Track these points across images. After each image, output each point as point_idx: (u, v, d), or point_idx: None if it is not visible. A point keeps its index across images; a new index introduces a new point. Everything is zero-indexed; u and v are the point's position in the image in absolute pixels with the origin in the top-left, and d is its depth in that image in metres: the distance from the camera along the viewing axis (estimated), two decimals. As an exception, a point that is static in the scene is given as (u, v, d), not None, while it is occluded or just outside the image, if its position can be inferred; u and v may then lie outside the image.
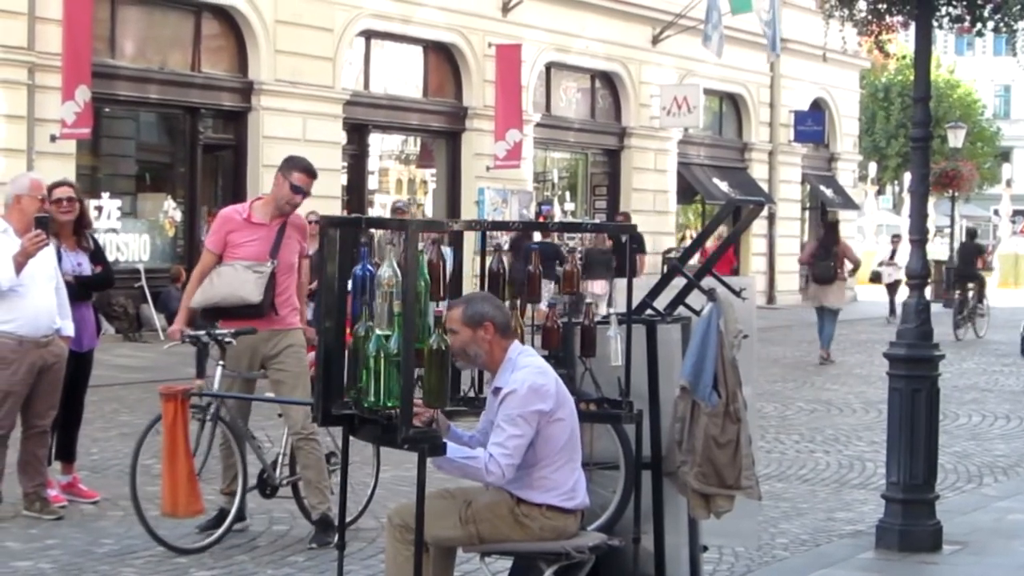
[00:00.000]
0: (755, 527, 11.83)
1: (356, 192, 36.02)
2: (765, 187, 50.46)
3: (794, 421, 21.61)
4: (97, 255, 14.69)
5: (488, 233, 10.71)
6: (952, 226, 61.19)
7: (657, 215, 44.10)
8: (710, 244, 19.36)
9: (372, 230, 9.98)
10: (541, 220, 37.24)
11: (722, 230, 22.51)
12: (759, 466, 10.67)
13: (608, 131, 44.86)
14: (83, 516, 13.74)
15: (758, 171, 51.21)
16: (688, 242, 40.75)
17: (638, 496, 10.06)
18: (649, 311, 10.43)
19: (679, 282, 10.63)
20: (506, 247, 11.84)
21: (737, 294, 10.42)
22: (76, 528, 13.20)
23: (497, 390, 8.93)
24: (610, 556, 9.68)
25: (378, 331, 8.85)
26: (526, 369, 8.85)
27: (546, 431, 8.80)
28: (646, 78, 44.91)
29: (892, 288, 44.38)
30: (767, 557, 12.63)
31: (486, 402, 9.17)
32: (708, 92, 47.07)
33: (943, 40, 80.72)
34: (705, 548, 11.02)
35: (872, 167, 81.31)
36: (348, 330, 9.23)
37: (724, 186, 47.64)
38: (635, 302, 10.25)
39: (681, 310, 10.53)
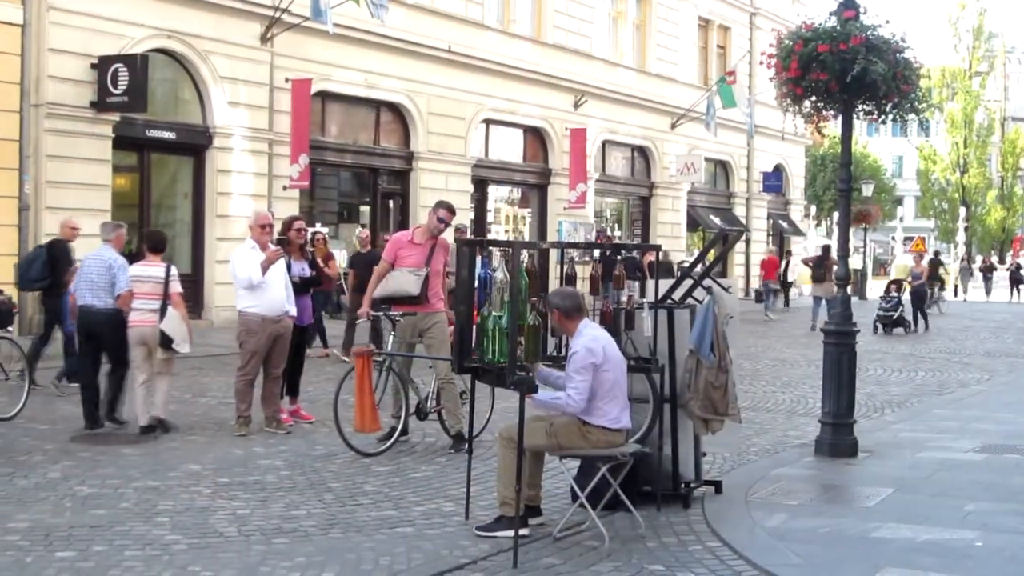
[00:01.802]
0: (736, 440, 11.80)
1: (479, 223, 36.03)
2: (744, 221, 50.24)
3: (762, 372, 21.49)
4: (313, 264, 14.87)
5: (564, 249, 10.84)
6: (864, 246, 60.81)
7: (673, 239, 43.95)
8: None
9: (490, 247, 10.08)
10: (598, 241, 37.18)
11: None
12: (740, 401, 10.63)
13: (642, 184, 44.71)
14: (303, 432, 13.83)
15: (739, 211, 50.98)
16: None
17: (661, 420, 10.09)
18: (669, 301, 10.43)
19: (688, 282, 10.64)
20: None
21: (726, 290, 10.43)
22: (298, 439, 13.29)
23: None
24: (643, 459, 9.72)
25: (495, 313, 8.91)
26: (584, 337, 9.05)
27: (599, 377, 8.94)
28: (667, 150, 44.75)
29: (788, 287, 44.10)
30: (743, 460, 12.59)
31: (567, 358, 9.25)
32: (707, 159, 46.82)
33: (859, 126, 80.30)
34: (704, 454, 11.01)
35: (813, 208, 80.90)
36: (475, 312, 9.29)
37: (717, 220, 47.46)
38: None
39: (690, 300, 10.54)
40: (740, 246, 49.54)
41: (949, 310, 44.06)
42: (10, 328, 15.63)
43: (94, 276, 13.71)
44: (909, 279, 35.05)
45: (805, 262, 37.83)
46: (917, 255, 40.81)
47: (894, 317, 32.64)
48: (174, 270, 13.90)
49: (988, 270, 62.00)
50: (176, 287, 13.72)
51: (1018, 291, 56.89)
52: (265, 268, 13.40)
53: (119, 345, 13.82)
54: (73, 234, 17.73)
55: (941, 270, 47.13)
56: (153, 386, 13.67)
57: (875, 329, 32.26)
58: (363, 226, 31.63)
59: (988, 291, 58.43)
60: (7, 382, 15.07)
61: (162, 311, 13.51)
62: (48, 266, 16.79)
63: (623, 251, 11.12)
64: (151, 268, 13.76)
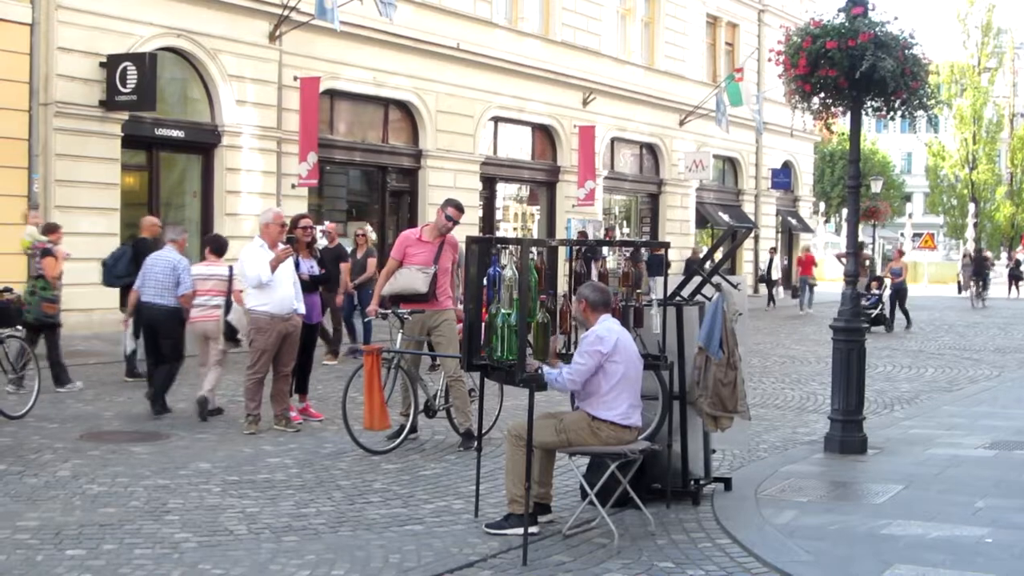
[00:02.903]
0: (746, 437, 11.82)
1: (488, 221, 36.07)
2: (752, 218, 50.24)
3: (771, 369, 21.50)
4: (322, 262, 14.87)
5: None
6: (873, 243, 60.73)
7: (682, 236, 43.94)
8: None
9: (499, 245, 10.08)
10: (607, 238, 37.20)
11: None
12: (749, 398, 10.63)
13: (650, 182, 44.72)
14: (312, 429, 13.87)
15: (748, 207, 50.96)
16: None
17: (671, 417, 10.09)
18: (678, 298, 10.43)
19: (697, 279, 10.64)
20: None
21: (735, 287, 10.42)
22: (308, 437, 13.32)
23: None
24: (653, 456, 9.72)
25: (503, 310, 8.91)
26: (599, 327, 9.12)
27: (606, 367, 8.99)
28: (675, 147, 44.77)
29: (772, 284, 43.70)
30: (753, 457, 12.59)
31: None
32: (716, 156, 46.90)
33: (868, 122, 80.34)
34: (714, 451, 11.01)
35: (822, 205, 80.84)
36: (484, 310, 9.29)
37: (726, 217, 47.48)
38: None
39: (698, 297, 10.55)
40: (749, 243, 49.60)
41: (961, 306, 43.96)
42: (19, 328, 15.68)
43: (159, 275, 14.86)
44: (889, 275, 34.19)
45: (839, 257, 37.72)
46: (898, 250, 39.19)
47: (873, 315, 31.34)
48: (236, 269, 14.88)
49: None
50: (238, 286, 14.70)
51: (1017, 288, 56.14)
52: (274, 266, 13.44)
53: (177, 340, 15.10)
54: (157, 231, 18.18)
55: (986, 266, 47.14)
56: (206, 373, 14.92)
57: None
58: (374, 226, 31.77)
59: (986, 287, 57.30)
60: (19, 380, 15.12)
61: (227, 307, 14.76)
62: (133, 263, 17.30)
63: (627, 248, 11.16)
64: (215, 268, 15.06)
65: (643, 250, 27.05)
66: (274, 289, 13.54)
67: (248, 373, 13.72)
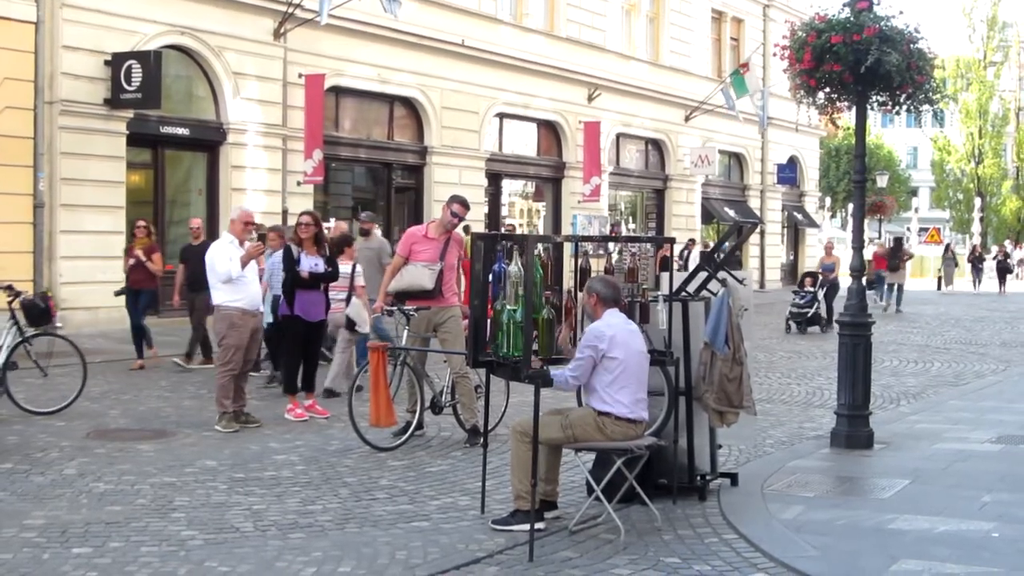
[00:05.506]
0: (752, 433, 11.80)
1: (493, 217, 36.05)
2: (758, 213, 50.22)
3: (777, 364, 21.48)
4: (329, 259, 14.87)
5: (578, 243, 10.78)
6: (880, 238, 60.70)
7: (688, 232, 43.92)
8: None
9: (505, 241, 10.08)
10: (613, 234, 37.19)
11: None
12: (755, 393, 10.61)
13: (656, 177, 44.73)
14: (318, 427, 13.85)
15: (754, 203, 50.95)
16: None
17: (677, 413, 10.09)
18: (684, 293, 10.43)
19: (703, 275, 10.64)
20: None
21: (740, 282, 10.41)
22: (314, 434, 13.31)
23: None
24: (659, 452, 9.73)
25: (509, 306, 8.90)
26: (600, 322, 9.17)
27: (604, 363, 9.02)
28: (681, 143, 44.78)
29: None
30: (759, 452, 12.58)
31: None
32: (721, 152, 46.78)
33: (873, 117, 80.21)
34: (720, 446, 11.01)
35: (827, 199, 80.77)
36: (489, 306, 9.29)
37: (731, 213, 47.45)
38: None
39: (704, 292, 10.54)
40: (755, 238, 49.57)
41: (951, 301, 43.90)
42: (60, 324, 15.77)
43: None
44: (820, 271, 31.98)
45: (882, 255, 38.59)
46: (827, 245, 36.14)
47: (809, 314, 29.25)
48: (359, 267, 16.40)
49: (977, 260, 58.06)
50: (360, 281, 16.21)
51: (1005, 281, 54.34)
52: (245, 262, 13.67)
53: None
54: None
55: None
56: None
57: (788, 328, 29.57)
58: (379, 224, 31.73)
59: (978, 282, 56.04)
60: (45, 379, 15.16)
61: (347, 300, 15.91)
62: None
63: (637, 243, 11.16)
64: (341, 265, 15.48)
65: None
66: (245, 284, 13.77)
67: (222, 370, 13.77)
